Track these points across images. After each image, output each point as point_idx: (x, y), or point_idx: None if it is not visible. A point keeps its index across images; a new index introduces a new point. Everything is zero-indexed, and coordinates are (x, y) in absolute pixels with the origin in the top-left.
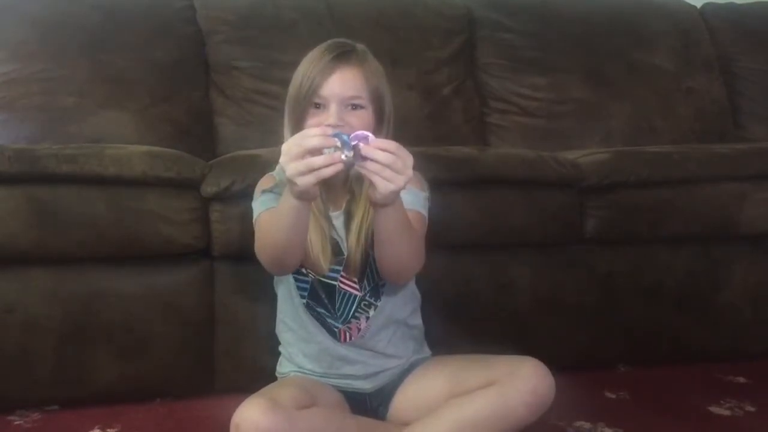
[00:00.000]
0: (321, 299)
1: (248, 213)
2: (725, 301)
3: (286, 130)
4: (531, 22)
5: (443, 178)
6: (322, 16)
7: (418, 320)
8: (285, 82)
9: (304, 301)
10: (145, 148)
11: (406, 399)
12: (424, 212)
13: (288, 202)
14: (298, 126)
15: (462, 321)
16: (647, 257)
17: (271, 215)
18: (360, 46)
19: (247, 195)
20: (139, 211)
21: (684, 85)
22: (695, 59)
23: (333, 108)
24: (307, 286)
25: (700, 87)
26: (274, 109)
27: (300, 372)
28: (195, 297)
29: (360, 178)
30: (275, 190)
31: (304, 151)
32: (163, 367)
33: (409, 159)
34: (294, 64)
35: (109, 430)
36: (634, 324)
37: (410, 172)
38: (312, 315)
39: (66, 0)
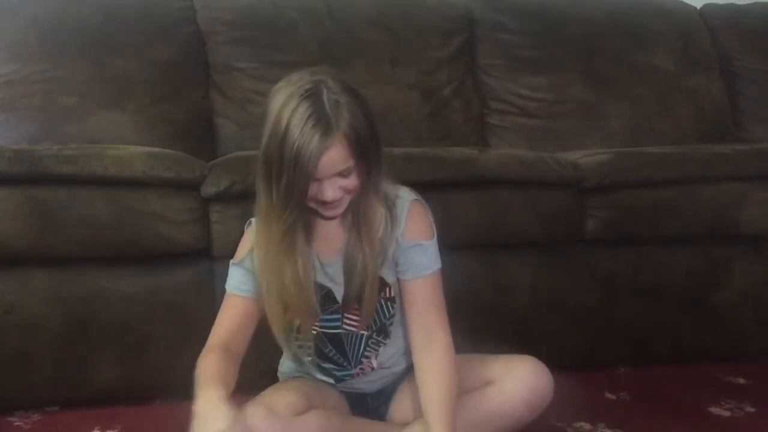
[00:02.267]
0: (327, 355)
1: (248, 213)
2: (725, 301)
3: (278, 195)
4: (531, 22)
5: (443, 179)
6: (322, 16)
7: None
8: None
9: (309, 358)
10: (145, 148)
11: (406, 399)
12: (438, 263)
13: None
14: (302, 195)
15: (462, 321)
16: (647, 257)
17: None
18: (334, 99)
19: (247, 196)
20: (139, 211)
21: (684, 85)
22: (695, 59)
23: (326, 186)
24: (311, 344)
25: (700, 87)
26: None
27: (303, 372)
28: (195, 297)
29: (356, 220)
30: (248, 265)
31: None
32: (164, 368)
33: None
34: (294, 65)
35: (109, 431)
36: (634, 324)
37: None
38: (321, 370)
39: (66, 0)
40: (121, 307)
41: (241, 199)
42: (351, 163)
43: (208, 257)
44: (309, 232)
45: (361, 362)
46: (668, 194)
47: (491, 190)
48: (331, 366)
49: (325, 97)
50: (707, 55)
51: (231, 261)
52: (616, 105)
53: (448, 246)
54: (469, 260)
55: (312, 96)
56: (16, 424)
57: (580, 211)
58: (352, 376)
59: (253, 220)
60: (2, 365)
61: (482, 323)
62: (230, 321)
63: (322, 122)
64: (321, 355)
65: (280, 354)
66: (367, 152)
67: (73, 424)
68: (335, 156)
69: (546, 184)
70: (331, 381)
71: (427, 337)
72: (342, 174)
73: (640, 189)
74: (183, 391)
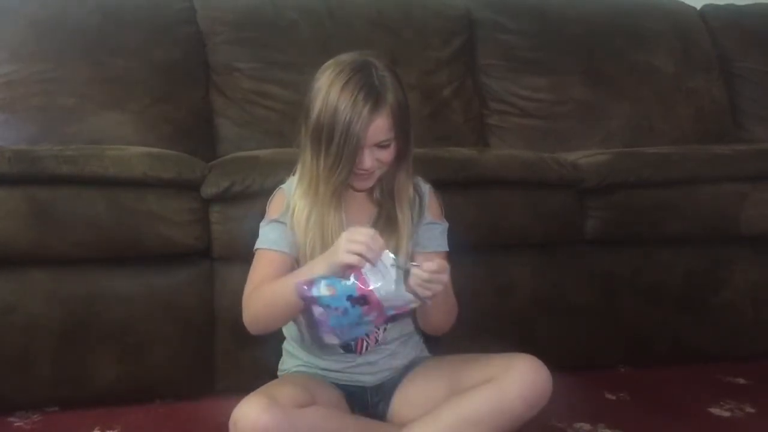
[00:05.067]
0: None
1: (248, 214)
2: (725, 301)
3: (327, 160)
4: (531, 22)
5: (444, 179)
6: (322, 16)
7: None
8: (285, 83)
9: None
10: (145, 149)
11: (405, 398)
12: (447, 248)
13: (316, 269)
14: (351, 159)
15: (462, 321)
16: (647, 257)
17: (274, 285)
18: (382, 75)
19: (247, 196)
20: (139, 212)
21: (684, 86)
22: (695, 60)
23: (366, 154)
24: None
25: (700, 87)
26: (275, 110)
27: (305, 366)
28: (195, 297)
29: (385, 196)
30: (282, 219)
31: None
32: (163, 368)
33: (444, 275)
34: (294, 65)
35: (109, 431)
36: (634, 324)
37: (446, 278)
38: None
39: (66, 1)
40: (121, 307)
41: (241, 200)
42: (392, 134)
43: (208, 258)
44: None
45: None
46: (668, 194)
47: (491, 190)
48: None
49: (373, 73)
50: (707, 56)
51: (262, 223)
52: (616, 105)
53: (447, 246)
54: (469, 260)
55: (362, 71)
56: (16, 424)
57: (580, 212)
58: (356, 341)
59: (283, 186)
60: (2, 365)
61: (482, 323)
62: (266, 273)
63: (373, 94)
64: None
65: (280, 354)
66: (406, 127)
67: (72, 424)
68: (381, 125)
69: (546, 185)
70: (336, 351)
71: None
72: (381, 145)
73: (640, 189)
74: (183, 391)
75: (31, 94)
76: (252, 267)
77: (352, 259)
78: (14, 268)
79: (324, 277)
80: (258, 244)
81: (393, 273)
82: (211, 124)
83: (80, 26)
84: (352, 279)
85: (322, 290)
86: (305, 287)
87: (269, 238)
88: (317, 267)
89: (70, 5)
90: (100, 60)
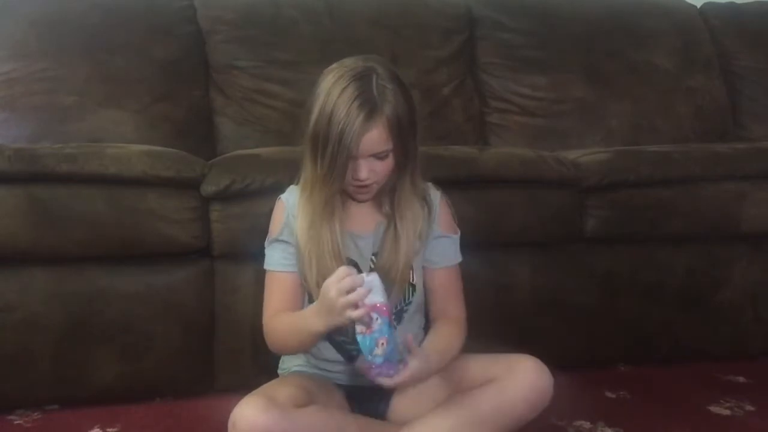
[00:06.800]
0: (342, 327)
1: (248, 212)
2: (725, 300)
3: (322, 167)
4: (531, 21)
5: (443, 178)
6: (322, 14)
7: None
8: (285, 82)
9: None
10: (145, 147)
11: (405, 397)
12: (460, 257)
13: (315, 328)
14: (343, 169)
15: None
16: (647, 257)
17: (288, 319)
18: (382, 84)
19: (248, 194)
20: (139, 210)
21: (684, 85)
22: (695, 59)
23: (362, 164)
24: None
25: (700, 86)
26: (274, 109)
27: (305, 365)
28: (195, 296)
29: (393, 208)
30: (283, 237)
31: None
32: (163, 367)
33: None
34: (294, 63)
35: (109, 429)
36: (634, 324)
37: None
38: (330, 342)
39: None
40: (120, 306)
41: (241, 198)
42: (389, 146)
43: (208, 256)
44: (344, 210)
45: None
46: (668, 193)
47: (491, 189)
48: (343, 338)
49: (373, 82)
50: (707, 55)
51: (266, 242)
52: (616, 104)
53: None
54: (469, 260)
55: (362, 79)
56: (16, 422)
57: (580, 210)
58: (358, 351)
59: (282, 196)
60: (2, 364)
61: (482, 322)
62: (281, 296)
63: (368, 104)
64: (336, 330)
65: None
66: (405, 139)
67: (73, 422)
68: (376, 137)
69: (546, 184)
70: (338, 358)
71: (445, 317)
72: (379, 156)
73: (640, 188)
74: (183, 389)
75: (31, 92)
76: (265, 288)
77: (357, 314)
78: (14, 267)
79: (366, 346)
80: (266, 265)
81: (375, 283)
82: (210, 123)
83: (80, 24)
84: (378, 319)
85: (378, 353)
86: (373, 370)
87: (274, 259)
88: (315, 323)
89: (70, 3)
90: (100, 58)
